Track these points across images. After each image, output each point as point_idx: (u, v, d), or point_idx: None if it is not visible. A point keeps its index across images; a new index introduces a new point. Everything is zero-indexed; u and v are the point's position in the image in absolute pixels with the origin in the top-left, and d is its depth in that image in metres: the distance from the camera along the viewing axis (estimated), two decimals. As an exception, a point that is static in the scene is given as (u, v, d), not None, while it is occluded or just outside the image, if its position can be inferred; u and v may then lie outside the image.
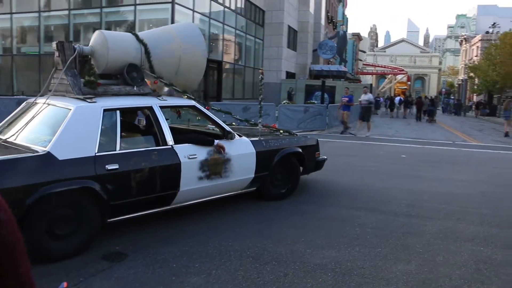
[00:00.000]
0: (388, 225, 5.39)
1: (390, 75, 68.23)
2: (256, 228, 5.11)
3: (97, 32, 5.39)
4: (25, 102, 5.26)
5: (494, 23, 55.95)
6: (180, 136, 5.26)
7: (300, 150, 6.53)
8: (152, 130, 5.13)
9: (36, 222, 3.89)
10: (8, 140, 4.48)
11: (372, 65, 75.87)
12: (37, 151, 4.07)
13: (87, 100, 4.62)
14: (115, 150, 4.48)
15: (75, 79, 4.87)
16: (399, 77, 68.06)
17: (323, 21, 41.45)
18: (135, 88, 5.18)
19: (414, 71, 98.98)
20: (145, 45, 5.38)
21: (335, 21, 50.40)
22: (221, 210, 5.68)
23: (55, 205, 4.06)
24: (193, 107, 5.60)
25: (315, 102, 24.93)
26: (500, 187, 7.97)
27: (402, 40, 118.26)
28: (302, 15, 36.17)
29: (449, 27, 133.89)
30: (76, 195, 4.19)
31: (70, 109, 4.39)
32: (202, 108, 5.62)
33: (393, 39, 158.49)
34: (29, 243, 3.62)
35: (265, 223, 5.34)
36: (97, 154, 4.31)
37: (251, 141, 5.89)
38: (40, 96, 5.07)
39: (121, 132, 4.65)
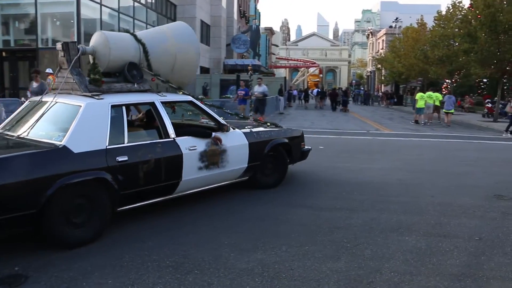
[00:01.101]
0: (314, 220, 5.24)
1: (302, 68, 69.95)
2: (175, 234, 4.71)
3: (98, 32, 5.64)
4: (28, 100, 5.60)
5: (397, 18, 59.24)
6: (180, 129, 5.55)
7: (287, 141, 6.88)
8: (154, 124, 5.46)
9: (55, 211, 4.12)
10: (21, 136, 4.73)
11: (285, 59, 77.30)
12: (53, 146, 4.32)
13: (94, 97, 4.87)
14: (124, 143, 4.76)
15: (80, 77, 5.14)
16: (311, 70, 70.02)
17: (235, 16, 41.38)
18: (135, 85, 5.46)
19: (326, 64, 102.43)
20: (143, 45, 5.64)
21: (247, 15, 50.57)
22: (135, 217, 5.19)
23: (72, 195, 4.30)
24: (191, 102, 5.95)
25: (231, 96, 24.73)
26: (415, 174, 8.20)
27: (313, 34, 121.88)
28: (215, 10, 35.81)
29: (356, 21, 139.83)
30: (90, 186, 4.43)
31: (81, 106, 4.64)
32: (198, 103, 5.98)
33: (304, 33, 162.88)
34: (49, 232, 4.13)
35: (182, 227, 4.94)
36: (108, 147, 4.57)
37: (243, 133, 6.24)
38: (45, 94, 5.41)
39: (127, 127, 4.96)
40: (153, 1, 27.40)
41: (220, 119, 6.02)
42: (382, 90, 54.45)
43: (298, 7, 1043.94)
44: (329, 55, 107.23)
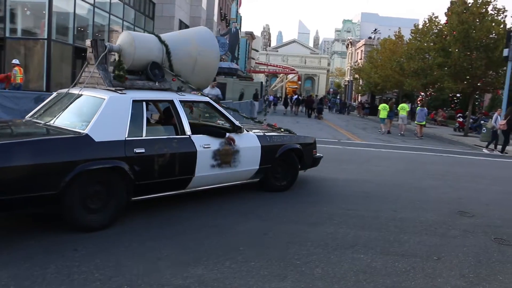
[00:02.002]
0: (266, 233, 4.93)
1: (281, 74, 69.89)
2: (112, 243, 4.32)
3: (125, 32, 6.05)
4: (56, 92, 5.92)
5: (375, 29, 59.74)
6: (196, 128, 5.81)
7: (300, 147, 7.07)
8: (172, 121, 5.69)
9: (74, 195, 4.38)
10: (47, 123, 5.02)
11: (265, 64, 77.21)
12: (77, 133, 4.59)
13: (118, 91, 5.15)
14: (142, 136, 5.01)
15: (106, 73, 5.44)
16: (290, 76, 70.06)
17: (216, 18, 41.03)
18: (157, 84, 5.76)
19: (305, 71, 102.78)
20: (166, 46, 5.94)
21: (228, 18, 50.28)
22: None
23: (90, 181, 4.56)
24: (207, 103, 6.23)
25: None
26: (381, 186, 8.00)
27: (294, 41, 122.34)
28: (194, 10, 35.41)
29: (337, 30, 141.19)
30: (108, 173, 4.68)
31: (104, 99, 4.91)
32: (215, 104, 6.25)
33: (285, 39, 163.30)
34: (67, 213, 4.41)
35: (122, 236, 4.54)
36: (127, 139, 4.82)
37: (257, 135, 6.47)
38: (73, 87, 5.71)
39: (146, 122, 5.24)
40: (131, -3, 26.83)
41: (235, 121, 6.26)
42: (359, 100, 54.76)
43: (280, 13, 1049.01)
44: (308, 62, 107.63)
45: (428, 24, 29.41)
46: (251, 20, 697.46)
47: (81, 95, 5.30)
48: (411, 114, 31.03)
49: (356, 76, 53.62)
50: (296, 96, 40.74)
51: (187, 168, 5.40)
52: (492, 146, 17.41)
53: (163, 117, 6.45)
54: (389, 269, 4.17)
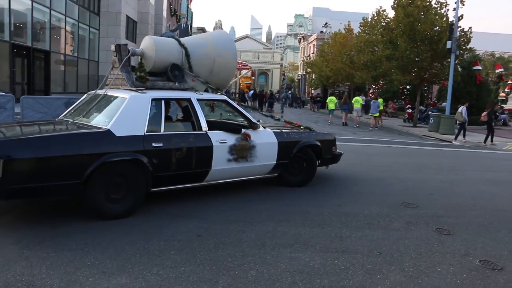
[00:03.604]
0: (200, 234, 4.65)
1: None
2: (33, 251, 3.91)
3: (147, 37, 6.47)
4: (86, 94, 6.45)
5: (326, 23, 60.35)
6: (213, 124, 6.18)
7: (318, 143, 7.24)
8: (190, 118, 5.98)
9: (96, 185, 4.79)
10: (75, 121, 5.51)
11: (218, 60, 76.30)
12: (100, 128, 5.05)
13: (138, 91, 5.59)
14: (160, 132, 5.39)
15: (129, 74, 5.93)
16: (243, 72, 69.79)
17: (165, 13, 40.22)
18: (176, 84, 6.16)
19: (258, 66, 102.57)
20: (185, 49, 6.38)
21: (178, 14, 49.47)
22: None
23: (111, 173, 4.95)
24: (225, 101, 6.53)
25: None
26: (328, 180, 7.87)
27: (246, 36, 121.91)
28: (142, 6, 34.54)
29: (289, 25, 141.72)
30: (128, 166, 5.06)
31: (126, 98, 5.36)
32: (232, 102, 6.54)
33: (238, 35, 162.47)
34: (90, 202, 4.83)
35: (42, 242, 4.16)
36: (145, 134, 5.22)
37: (274, 132, 6.71)
38: (100, 88, 6.22)
39: (165, 118, 5.59)
40: (74, -8, 25.76)
41: (251, 118, 6.51)
42: (312, 94, 55.18)
43: (232, 9, 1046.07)
44: (261, 57, 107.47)
45: (376, 18, 29.84)
46: (203, 15, 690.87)
47: (106, 95, 5.80)
48: (367, 107, 31.62)
49: (309, 70, 53.98)
50: (252, 91, 40.88)
51: (204, 161, 5.73)
52: (461, 137, 17.70)
53: (182, 115, 6.88)
54: (327, 267, 3.99)
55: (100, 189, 4.83)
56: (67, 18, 25.01)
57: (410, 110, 28.56)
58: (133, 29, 33.42)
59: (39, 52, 22.45)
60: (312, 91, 58.57)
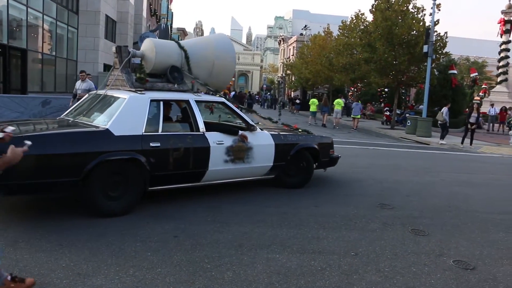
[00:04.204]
0: (177, 235, 4.62)
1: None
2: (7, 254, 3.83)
3: (147, 39, 6.59)
4: (88, 93, 6.78)
5: (306, 26, 60.63)
6: (211, 125, 6.32)
7: (315, 146, 7.33)
8: (188, 119, 6.10)
9: (94, 182, 4.88)
10: (76, 120, 5.64)
11: (198, 61, 76.02)
12: (99, 128, 5.14)
13: (138, 92, 5.73)
14: (158, 132, 5.49)
15: (129, 75, 6.05)
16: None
17: (145, 13, 39.89)
18: (176, 86, 6.28)
19: (238, 68, 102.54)
20: (185, 51, 6.52)
21: (158, 14, 49.10)
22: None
23: (109, 171, 5.03)
24: (223, 103, 6.65)
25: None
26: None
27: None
28: (122, 5, 34.13)
29: (269, 27, 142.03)
30: (126, 164, 5.15)
31: (125, 98, 5.48)
32: (230, 104, 6.65)
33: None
34: (88, 199, 4.94)
35: (16, 243, 4.07)
36: (143, 134, 5.31)
37: (271, 134, 6.80)
38: (101, 89, 6.40)
39: (163, 119, 5.67)
40: (51, -9, 25.33)
41: (249, 120, 6.65)
42: (292, 96, 55.37)
43: (212, 10, 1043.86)
44: (241, 59, 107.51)
45: (355, 21, 30.13)
46: (183, 16, 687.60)
47: (107, 95, 5.93)
48: (347, 109, 31.96)
49: (288, 72, 54.17)
50: (233, 93, 40.96)
51: (201, 162, 5.82)
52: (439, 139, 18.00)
53: (181, 116, 6.89)
54: (304, 268, 4.00)
55: (98, 187, 4.92)
56: (45, 16, 24.57)
57: (388, 113, 28.92)
58: (112, 29, 33.03)
59: (16, 50, 21.98)
60: (292, 93, 58.77)
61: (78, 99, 11.15)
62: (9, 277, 3.10)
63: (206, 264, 3.92)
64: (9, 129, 2.95)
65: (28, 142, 2.87)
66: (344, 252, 4.51)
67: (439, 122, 18.39)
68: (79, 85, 12.53)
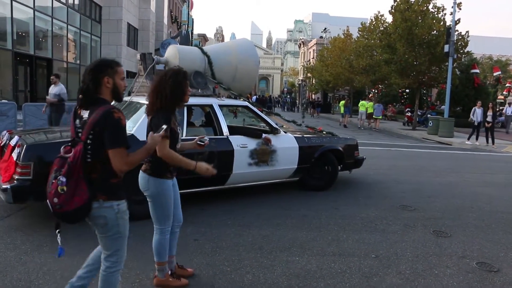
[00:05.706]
0: (197, 238, 4.66)
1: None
2: None
3: (171, 46, 6.75)
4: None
5: (325, 28, 60.39)
6: (235, 129, 6.54)
7: (340, 148, 7.36)
8: (212, 123, 6.27)
9: None
10: None
11: (219, 66, 76.36)
12: None
13: None
14: (183, 136, 5.20)
15: None
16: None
17: (166, 20, 40.41)
18: (199, 91, 6.29)
19: (259, 72, 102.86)
20: (208, 57, 6.65)
21: (179, 21, 49.63)
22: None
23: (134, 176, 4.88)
24: (246, 107, 6.70)
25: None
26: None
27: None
28: (143, 13, 34.72)
29: (289, 31, 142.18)
30: None
31: None
32: (253, 108, 6.68)
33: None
34: None
35: (34, 249, 4.16)
36: None
37: (295, 137, 6.84)
38: (126, 96, 6.27)
39: (187, 124, 5.85)
40: (76, 1, 25.88)
41: (273, 123, 6.71)
42: (311, 98, 55.20)
43: (232, 15, 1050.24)
44: (262, 63, 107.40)
45: (374, 22, 29.94)
46: (204, 22, 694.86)
47: (132, 102, 5.99)
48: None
49: (309, 75, 54.05)
50: (255, 97, 41.17)
51: (225, 165, 5.88)
52: (472, 140, 17.69)
53: (205, 120, 7.08)
54: (324, 271, 4.00)
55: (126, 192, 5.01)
56: (69, 26, 25.17)
57: (409, 114, 28.60)
58: (134, 36, 33.59)
59: (42, 60, 22.59)
60: (312, 95, 58.59)
61: (48, 105, 11.14)
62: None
63: (226, 267, 3.95)
64: (206, 139, 3.68)
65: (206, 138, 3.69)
66: (365, 254, 4.48)
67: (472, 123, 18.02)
68: (50, 89, 11.70)
